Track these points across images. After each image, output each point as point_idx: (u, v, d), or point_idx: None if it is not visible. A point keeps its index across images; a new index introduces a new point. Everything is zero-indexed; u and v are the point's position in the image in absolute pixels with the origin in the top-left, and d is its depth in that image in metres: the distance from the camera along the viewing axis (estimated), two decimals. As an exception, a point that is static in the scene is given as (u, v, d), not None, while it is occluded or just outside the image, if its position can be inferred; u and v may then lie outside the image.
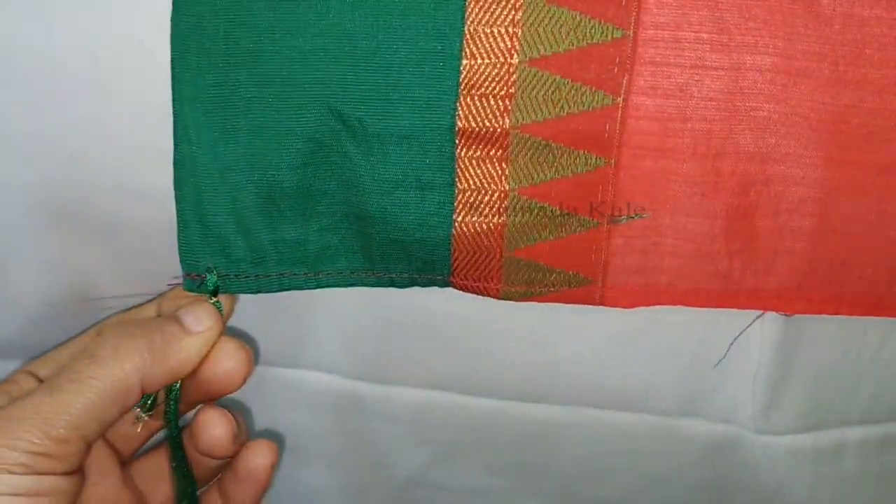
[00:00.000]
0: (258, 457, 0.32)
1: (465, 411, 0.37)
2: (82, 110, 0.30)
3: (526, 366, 0.36)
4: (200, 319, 0.30)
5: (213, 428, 0.31)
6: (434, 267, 0.31)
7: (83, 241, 0.33)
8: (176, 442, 0.32)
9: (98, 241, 0.33)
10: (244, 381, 0.31)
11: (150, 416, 0.31)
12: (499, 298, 0.31)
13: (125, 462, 0.33)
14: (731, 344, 0.34)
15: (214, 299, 0.31)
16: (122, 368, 0.28)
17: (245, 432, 0.33)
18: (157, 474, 0.33)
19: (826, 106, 0.28)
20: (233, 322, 0.35)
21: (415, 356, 0.36)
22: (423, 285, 0.31)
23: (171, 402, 0.31)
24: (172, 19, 0.28)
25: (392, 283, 0.31)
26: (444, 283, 0.31)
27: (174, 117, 0.29)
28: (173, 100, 0.29)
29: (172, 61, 0.28)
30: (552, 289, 0.31)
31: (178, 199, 0.30)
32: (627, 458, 0.38)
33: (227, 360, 0.31)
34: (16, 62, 0.29)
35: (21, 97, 0.30)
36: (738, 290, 0.31)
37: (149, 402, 0.31)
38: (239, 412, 0.33)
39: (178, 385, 0.31)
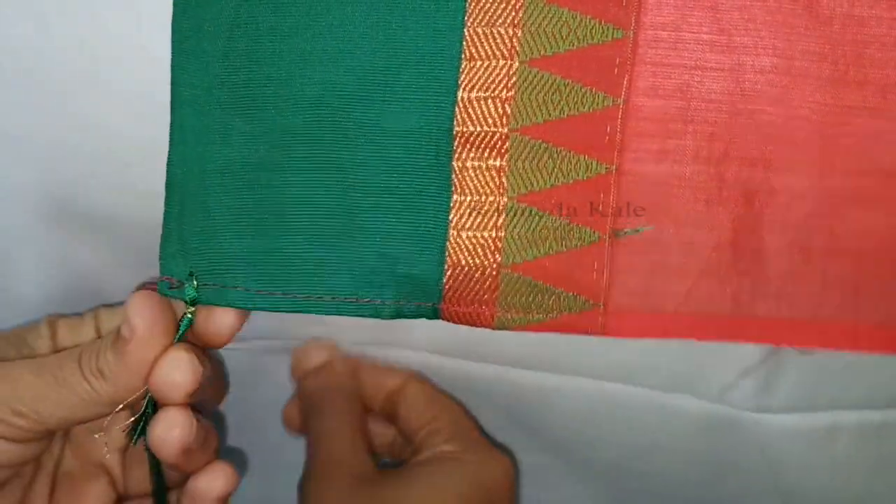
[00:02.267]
0: (213, 481, 0.30)
1: (463, 375, 0.38)
2: (82, 110, 0.30)
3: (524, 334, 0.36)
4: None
5: (169, 428, 0.29)
6: (425, 290, 0.29)
7: (83, 240, 0.33)
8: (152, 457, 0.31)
9: (98, 240, 0.33)
10: (190, 394, 0.29)
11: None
12: (493, 328, 0.29)
13: None
14: None
15: (191, 310, 0.29)
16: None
17: (211, 447, 0.31)
18: None
19: (827, 107, 0.28)
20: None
21: (416, 321, 0.36)
22: (410, 316, 0.30)
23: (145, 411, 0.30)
24: (173, 19, 0.28)
25: (376, 313, 0.29)
26: (434, 313, 0.30)
27: (171, 118, 0.29)
28: (171, 101, 0.28)
29: (172, 63, 0.28)
30: (551, 314, 0.29)
31: (167, 201, 0.29)
32: (621, 426, 0.39)
33: (172, 371, 0.29)
34: (15, 62, 0.29)
35: (21, 97, 0.30)
36: (750, 319, 0.30)
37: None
38: (210, 425, 0.31)
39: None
